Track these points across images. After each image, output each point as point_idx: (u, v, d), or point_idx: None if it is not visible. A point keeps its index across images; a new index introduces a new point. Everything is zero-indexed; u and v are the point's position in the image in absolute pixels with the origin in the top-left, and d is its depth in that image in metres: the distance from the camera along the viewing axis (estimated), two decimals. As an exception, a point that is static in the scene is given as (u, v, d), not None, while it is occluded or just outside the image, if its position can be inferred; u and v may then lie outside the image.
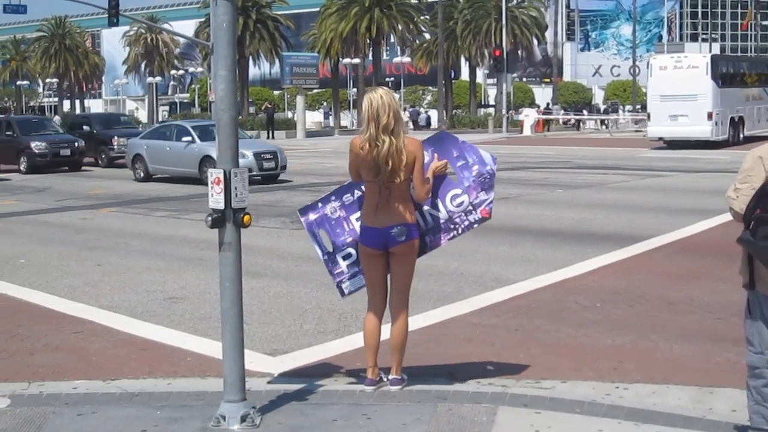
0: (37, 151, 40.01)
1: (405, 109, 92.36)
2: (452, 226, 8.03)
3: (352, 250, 8.07)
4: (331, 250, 8.13)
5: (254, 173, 29.39)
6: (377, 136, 7.48)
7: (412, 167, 7.52)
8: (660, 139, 45.94)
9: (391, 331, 7.88)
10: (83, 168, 41.35)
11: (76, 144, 41.25)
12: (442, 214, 8.00)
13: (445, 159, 7.89)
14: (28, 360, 9.46)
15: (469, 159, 8.00)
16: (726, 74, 47.40)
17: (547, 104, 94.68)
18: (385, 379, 7.96)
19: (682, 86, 42.85)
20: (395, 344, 7.86)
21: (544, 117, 78.14)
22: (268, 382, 8.31)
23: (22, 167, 40.09)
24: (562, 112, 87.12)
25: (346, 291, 8.23)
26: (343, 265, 8.13)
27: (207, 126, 32.62)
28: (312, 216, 8.14)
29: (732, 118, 46.49)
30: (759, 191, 5.74)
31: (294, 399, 7.72)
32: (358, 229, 7.92)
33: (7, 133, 41.97)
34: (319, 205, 8.20)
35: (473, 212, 8.01)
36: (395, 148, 7.46)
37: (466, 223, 8.04)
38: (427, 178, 7.72)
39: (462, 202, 7.99)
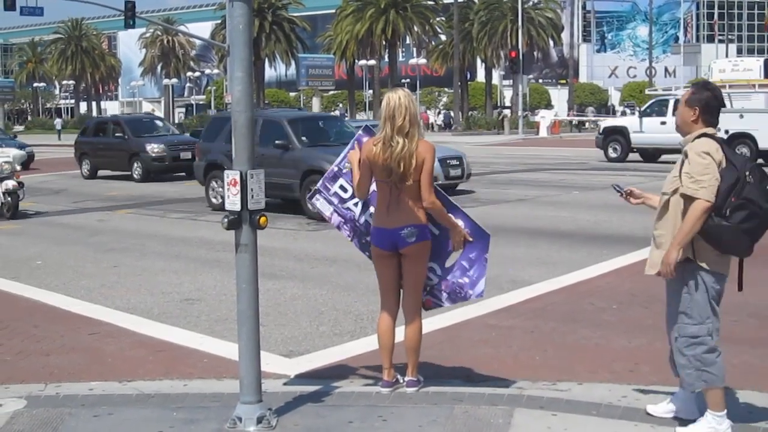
0: (153, 155, 34.34)
1: (427, 110, 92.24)
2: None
3: (350, 190, 8.13)
4: (344, 170, 8.20)
5: (439, 182, 22.15)
6: (392, 137, 7.48)
7: (421, 169, 7.51)
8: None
9: (405, 333, 7.88)
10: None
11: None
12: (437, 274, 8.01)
13: (466, 247, 7.87)
14: (45, 361, 9.49)
15: (471, 271, 7.90)
16: None
17: (581, 105, 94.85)
18: (401, 381, 7.95)
19: (737, 87, 44.52)
20: (410, 346, 7.85)
21: (578, 118, 77.94)
22: (284, 384, 8.31)
23: (136, 174, 34.62)
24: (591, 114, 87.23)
25: (314, 200, 8.35)
26: (334, 187, 8.23)
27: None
28: (365, 139, 8.06)
29: None
30: (731, 182, 6.46)
31: (310, 400, 7.72)
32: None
33: (117, 135, 36.39)
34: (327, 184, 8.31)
35: (425, 293, 7.99)
36: (407, 151, 7.45)
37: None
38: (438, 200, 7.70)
39: (430, 279, 7.97)
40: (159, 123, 41.01)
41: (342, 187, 8.19)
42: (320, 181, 8.35)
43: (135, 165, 34.70)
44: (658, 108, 39.65)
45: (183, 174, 33.87)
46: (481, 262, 7.88)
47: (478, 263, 7.88)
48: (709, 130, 6.73)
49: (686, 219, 6.52)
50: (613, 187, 7.86)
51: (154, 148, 34.44)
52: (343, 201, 8.17)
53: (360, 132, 8.29)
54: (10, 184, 22.17)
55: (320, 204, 8.27)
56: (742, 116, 36.76)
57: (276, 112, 27.95)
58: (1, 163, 22.35)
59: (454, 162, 25.75)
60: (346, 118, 47.51)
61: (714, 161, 6.51)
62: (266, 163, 18.32)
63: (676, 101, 39.20)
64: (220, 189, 21.87)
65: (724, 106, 6.97)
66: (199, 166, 24.76)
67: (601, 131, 41.69)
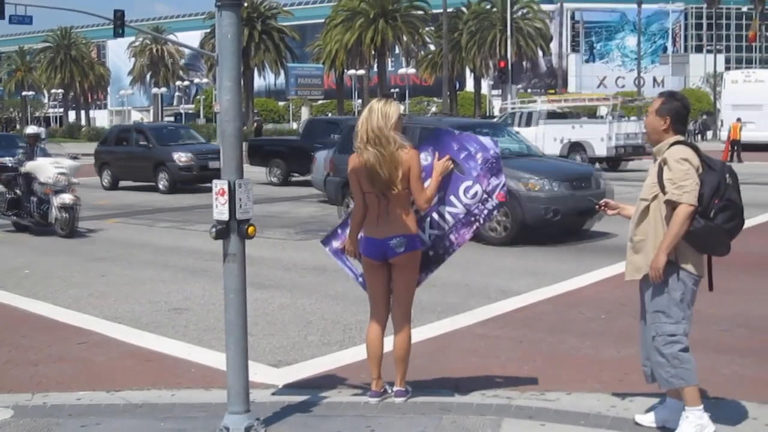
0: (180, 164, 32.53)
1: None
2: (472, 219, 8.02)
3: None
4: (361, 271, 8.15)
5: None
6: (365, 144, 7.56)
7: (408, 177, 7.51)
8: None
9: (394, 343, 7.88)
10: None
11: None
12: (460, 209, 7.98)
13: (446, 155, 7.90)
14: (32, 371, 9.45)
15: (471, 148, 7.96)
16: None
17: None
18: (389, 391, 7.94)
19: (750, 97, 48.95)
20: (398, 356, 7.85)
21: None
22: (273, 394, 8.30)
23: (162, 185, 32.97)
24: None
25: (328, 246, 8.34)
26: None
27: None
28: (335, 243, 8.25)
29: None
30: (714, 185, 6.73)
31: (298, 411, 7.70)
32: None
33: (140, 143, 34.40)
34: (339, 231, 8.28)
35: (489, 200, 7.99)
36: (382, 157, 7.48)
37: (486, 212, 8.04)
38: (427, 188, 7.73)
39: (476, 193, 7.97)
40: (184, 131, 39.50)
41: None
42: (337, 229, 8.37)
43: (160, 175, 33.03)
44: (511, 120, 43.61)
45: (210, 185, 31.72)
46: (462, 138, 8.07)
47: (463, 141, 8.05)
48: (675, 138, 6.93)
49: (672, 224, 6.71)
50: (588, 199, 8.05)
51: (181, 157, 32.64)
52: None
53: (327, 248, 8.38)
54: (67, 198, 20.03)
55: (335, 244, 8.30)
56: (573, 127, 41.59)
57: (434, 119, 26.34)
58: (56, 175, 20.11)
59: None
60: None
61: (692, 166, 6.73)
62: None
63: (529, 113, 44.45)
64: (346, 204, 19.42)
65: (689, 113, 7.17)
66: (332, 182, 21.66)
67: None
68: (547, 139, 41.39)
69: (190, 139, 36.52)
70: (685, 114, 7.02)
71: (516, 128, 40.15)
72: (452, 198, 7.97)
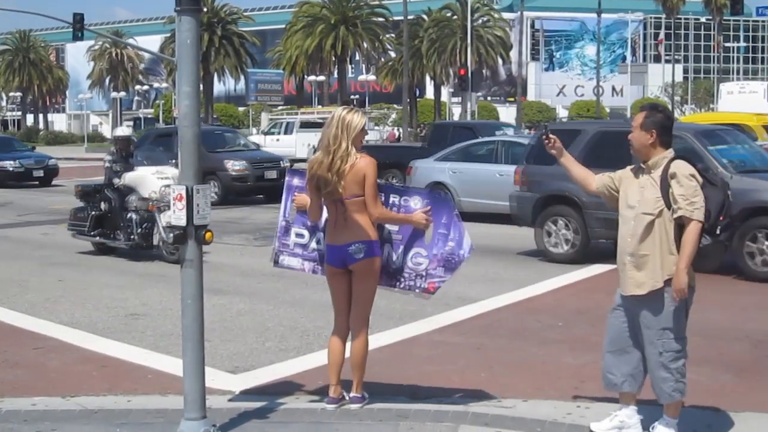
0: (234, 173, 29.69)
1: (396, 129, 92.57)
2: (398, 278, 8.02)
3: (305, 233, 8.16)
4: (291, 220, 8.20)
5: None
6: (321, 149, 7.65)
7: (363, 183, 7.53)
8: None
9: (351, 349, 7.87)
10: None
11: (282, 163, 30.80)
12: (396, 263, 7.98)
13: (433, 218, 7.88)
14: (-13, 376, 9.38)
15: (451, 233, 7.93)
16: None
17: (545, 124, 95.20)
18: (346, 398, 7.93)
19: (744, 107, 47.97)
20: (354, 362, 7.84)
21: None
22: (229, 400, 8.28)
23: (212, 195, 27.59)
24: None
25: (279, 262, 8.33)
26: (292, 239, 8.23)
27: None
28: (296, 181, 8.20)
29: None
30: (720, 202, 6.81)
31: (255, 417, 7.69)
32: (323, 222, 7.98)
33: None
34: (281, 242, 8.27)
35: (422, 279, 7.98)
36: (330, 162, 7.53)
37: (410, 284, 8.02)
38: (390, 211, 7.83)
39: (420, 264, 7.96)
40: (233, 135, 35.86)
41: (298, 235, 8.23)
42: (275, 242, 8.35)
43: (211, 185, 27.12)
44: (277, 129, 48.06)
45: (261, 196, 30.53)
46: (454, 221, 7.94)
47: (452, 224, 7.93)
48: (671, 152, 6.95)
49: (687, 242, 6.73)
50: (544, 125, 8.20)
51: (234, 166, 29.78)
52: (305, 247, 8.21)
53: (287, 176, 8.39)
54: None
55: (288, 262, 8.30)
56: (317, 134, 43.01)
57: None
58: (161, 188, 16.89)
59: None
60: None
61: (698, 183, 6.79)
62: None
63: (288, 123, 49.98)
64: (565, 232, 16.72)
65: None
66: (523, 198, 18.00)
67: None
68: (298, 145, 48.20)
69: (241, 144, 33.58)
70: (670, 125, 7.04)
71: (277, 136, 47.12)
72: (401, 248, 7.98)
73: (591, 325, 11.31)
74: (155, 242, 17.00)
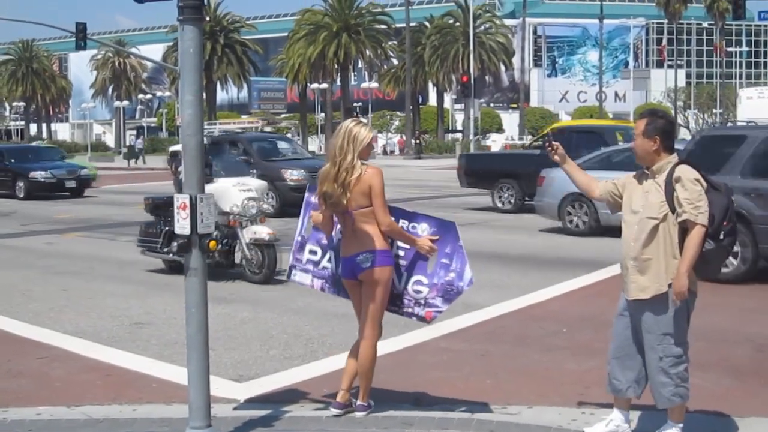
0: (291, 183, 27.86)
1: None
2: (398, 303, 8.07)
3: (319, 250, 8.22)
4: (307, 236, 8.26)
5: None
6: (328, 160, 7.70)
7: (370, 195, 7.55)
8: None
9: (359, 357, 7.87)
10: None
11: None
12: (398, 288, 8.01)
13: (438, 247, 7.90)
14: (-8, 386, 9.38)
15: (453, 264, 7.95)
16: None
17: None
18: (353, 404, 7.94)
19: (763, 111, 52.04)
20: (361, 370, 7.85)
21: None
22: (234, 408, 8.27)
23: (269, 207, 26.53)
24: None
25: (292, 278, 8.41)
26: (305, 255, 8.29)
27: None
28: (315, 198, 8.19)
29: None
30: (724, 206, 6.83)
31: (260, 425, 7.69)
32: (336, 240, 8.04)
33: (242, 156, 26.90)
34: (296, 257, 8.35)
35: (421, 307, 8.02)
36: (335, 173, 7.57)
37: (409, 311, 8.08)
38: (399, 226, 7.84)
39: (420, 292, 8.00)
40: (287, 144, 33.85)
41: (312, 252, 8.30)
42: (290, 257, 8.40)
43: (268, 195, 26.03)
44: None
45: None
46: (458, 251, 7.95)
47: (455, 254, 7.94)
48: (675, 157, 7.00)
49: (690, 245, 6.76)
50: (548, 136, 8.23)
51: (292, 175, 27.92)
52: (317, 264, 8.27)
53: (306, 193, 8.43)
54: (263, 232, 15.40)
55: (299, 278, 8.37)
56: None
57: None
58: (244, 201, 15.62)
59: None
60: (298, 141, 46.83)
61: (703, 188, 6.83)
62: None
63: (207, 132, 51.45)
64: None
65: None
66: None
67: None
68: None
69: (295, 153, 31.84)
70: (671, 130, 7.07)
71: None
72: (405, 274, 8.01)
73: (595, 330, 11.30)
74: (237, 260, 15.97)
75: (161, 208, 16.44)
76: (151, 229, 16.69)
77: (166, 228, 15.99)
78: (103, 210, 31.09)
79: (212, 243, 6.95)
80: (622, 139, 27.66)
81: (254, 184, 16.43)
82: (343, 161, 7.54)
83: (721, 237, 6.83)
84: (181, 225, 6.89)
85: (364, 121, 8.17)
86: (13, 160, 38.81)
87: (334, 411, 7.88)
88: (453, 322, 11.92)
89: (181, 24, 6.88)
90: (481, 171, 30.42)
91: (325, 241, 8.16)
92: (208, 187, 14.84)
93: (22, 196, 36.93)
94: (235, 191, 15.79)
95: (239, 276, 15.66)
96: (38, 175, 37.35)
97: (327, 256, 8.19)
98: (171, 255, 15.79)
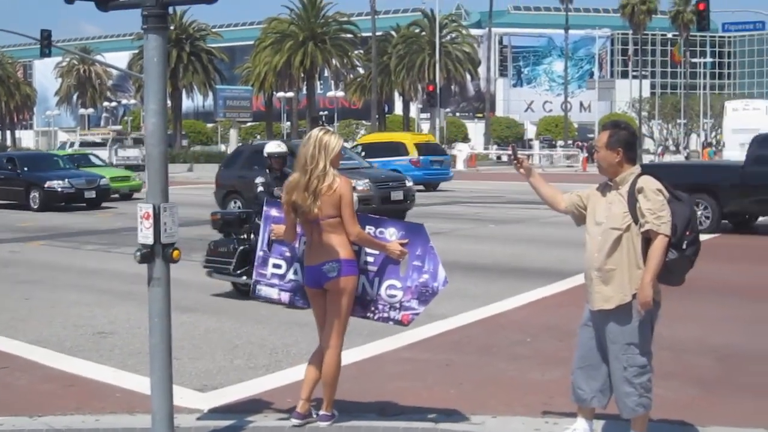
0: (357, 194, 21.24)
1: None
2: (371, 309, 8.05)
3: (283, 264, 8.18)
4: (269, 250, 8.22)
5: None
6: (297, 170, 7.68)
7: (339, 204, 7.55)
8: None
9: (323, 367, 7.86)
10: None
11: (406, 183, 27.57)
12: (371, 294, 8.00)
13: (408, 250, 7.90)
14: (-47, 396, 9.30)
15: (426, 266, 7.95)
16: None
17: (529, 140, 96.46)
18: (314, 415, 7.92)
19: (747, 123, 54.92)
20: (325, 380, 7.84)
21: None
22: (198, 419, 8.24)
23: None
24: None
25: (256, 293, 8.35)
26: (269, 270, 8.25)
27: None
28: (274, 212, 8.22)
29: None
30: (687, 216, 6.88)
31: (223, 435, 7.66)
32: (300, 251, 8.03)
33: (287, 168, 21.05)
34: (260, 272, 8.32)
35: (396, 311, 8.01)
36: (306, 182, 7.56)
37: (384, 315, 8.06)
38: (368, 233, 7.82)
39: (394, 296, 7.98)
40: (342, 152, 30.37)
41: (276, 266, 8.25)
42: (253, 273, 8.37)
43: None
44: (62, 148, 60.96)
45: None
46: (430, 252, 7.96)
47: (427, 255, 7.95)
48: (638, 168, 7.07)
49: (653, 255, 6.80)
50: (512, 147, 8.34)
51: (357, 186, 24.59)
52: (282, 277, 8.23)
53: (265, 208, 8.40)
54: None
55: (265, 292, 8.33)
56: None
57: None
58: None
59: None
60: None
61: (665, 198, 6.88)
62: None
63: (71, 143, 61.79)
64: None
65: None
66: None
67: None
68: None
69: (351, 160, 28.99)
70: (634, 141, 7.12)
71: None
72: (375, 280, 8.01)
73: (559, 340, 11.34)
74: None
75: (234, 224, 15.07)
76: (222, 249, 15.07)
77: (241, 247, 14.61)
78: (68, 219, 30.80)
79: (176, 252, 6.92)
80: (415, 150, 34.84)
81: None
82: (314, 169, 7.54)
83: (684, 246, 6.86)
84: (145, 234, 6.87)
85: (332, 129, 8.17)
86: (26, 168, 36.00)
87: (294, 422, 7.86)
88: (417, 332, 11.91)
89: (146, 33, 6.86)
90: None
91: (289, 254, 8.14)
92: None
93: (36, 207, 34.21)
94: None
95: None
96: (55, 184, 34.49)
97: (293, 269, 8.17)
98: (244, 278, 14.22)
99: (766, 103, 64.50)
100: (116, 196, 38.40)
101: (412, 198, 27.13)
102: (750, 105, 62.79)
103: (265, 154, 14.80)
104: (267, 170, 14.75)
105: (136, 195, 39.79)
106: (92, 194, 34.92)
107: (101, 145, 61.14)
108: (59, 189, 34.38)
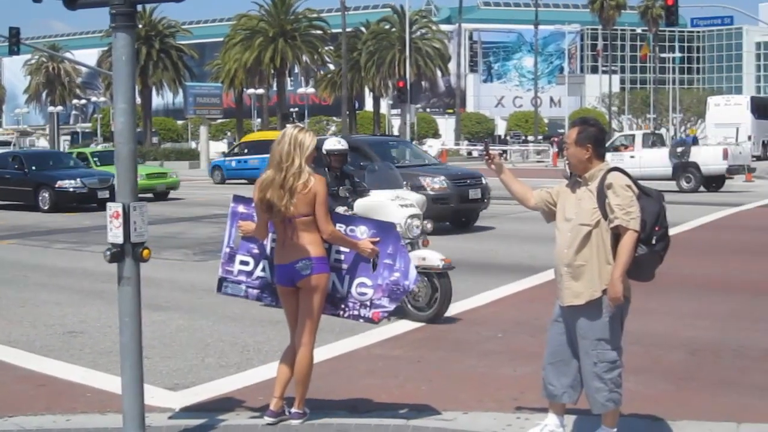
0: (433, 193, 22.78)
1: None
2: (342, 306, 8.09)
3: (250, 261, 8.21)
4: (235, 248, 8.23)
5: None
6: (271, 167, 7.65)
7: (313, 203, 7.55)
8: None
9: (295, 364, 7.86)
10: None
11: (483, 180, 24.80)
12: (341, 291, 8.03)
13: (380, 248, 7.93)
14: None
15: (396, 264, 7.98)
16: (760, 109, 67.44)
17: (505, 136, 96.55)
18: (287, 413, 7.93)
19: (730, 117, 59.17)
20: (298, 378, 7.84)
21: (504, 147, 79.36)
22: (169, 418, 8.23)
23: None
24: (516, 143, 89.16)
25: (223, 290, 8.39)
26: (236, 267, 8.28)
27: None
28: (241, 208, 8.22)
29: (763, 141, 68.07)
30: (656, 212, 6.91)
31: (195, 434, 7.65)
32: (269, 249, 8.03)
33: (361, 163, 20.57)
34: (225, 269, 8.33)
35: (367, 309, 8.03)
36: (281, 180, 7.55)
37: (355, 313, 8.09)
38: (341, 232, 7.85)
39: (364, 294, 8.01)
40: (407, 149, 28.62)
41: (243, 262, 8.28)
42: (219, 269, 8.38)
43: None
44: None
45: (464, 220, 24.71)
46: (401, 251, 8.00)
47: (398, 254, 7.98)
48: (607, 164, 7.11)
49: (623, 251, 6.84)
50: (485, 143, 8.37)
51: (434, 183, 23.46)
52: (250, 274, 8.26)
53: (232, 204, 8.41)
54: (435, 258, 12.59)
55: (231, 290, 8.36)
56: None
57: None
58: (407, 220, 12.94)
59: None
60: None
61: (634, 194, 6.91)
62: None
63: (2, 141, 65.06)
64: None
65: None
66: None
67: None
68: None
69: (418, 158, 27.00)
70: (603, 137, 7.18)
71: None
72: (346, 277, 8.03)
73: (530, 335, 11.38)
74: None
75: None
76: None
77: None
78: (38, 217, 30.63)
79: (146, 252, 6.91)
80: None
81: (413, 197, 14.14)
82: (290, 167, 7.53)
83: (654, 242, 6.89)
84: (114, 234, 6.85)
85: (305, 126, 8.16)
86: (34, 167, 34.38)
87: (267, 420, 7.87)
88: (388, 328, 11.93)
89: (114, 31, 6.85)
90: None
91: (257, 251, 8.15)
92: (363, 203, 13.59)
93: (46, 208, 32.53)
94: (394, 207, 13.24)
95: (401, 313, 12.31)
96: (67, 184, 32.76)
97: (260, 266, 8.17)
98: None
99: (747, 98, 67.61)
100: (149, 195, 35.89)
101: (489, 197, 24.62)
102: (732, 100, 65.67)
103: (324, 152, 13.74)
104: (326, 169, 13.71)
105: (173, 194, 38.42)
106: (106, 194, 31.86)
107: (5, 144, 64.34)
108: (71, 189, 32.79)
